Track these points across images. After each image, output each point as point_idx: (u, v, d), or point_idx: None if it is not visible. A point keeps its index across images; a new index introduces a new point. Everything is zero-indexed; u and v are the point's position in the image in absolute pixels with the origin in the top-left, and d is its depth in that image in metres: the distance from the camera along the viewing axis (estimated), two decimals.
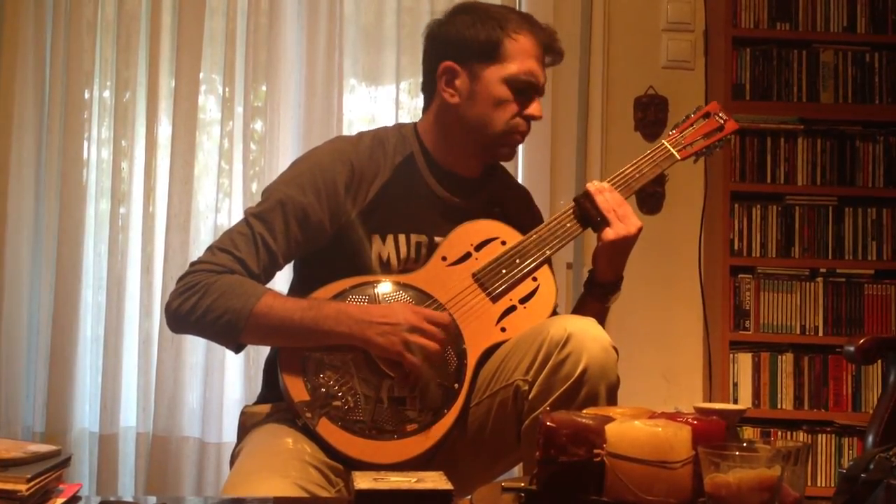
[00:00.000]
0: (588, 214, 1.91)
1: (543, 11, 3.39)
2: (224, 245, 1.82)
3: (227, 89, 3.27)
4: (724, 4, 3.28)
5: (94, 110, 3.29)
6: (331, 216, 1.86)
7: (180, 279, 1.81)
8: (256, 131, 3.31)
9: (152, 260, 3.23)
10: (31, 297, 3.25)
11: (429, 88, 1.97)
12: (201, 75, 3.27)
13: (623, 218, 1.88)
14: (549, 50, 1.94)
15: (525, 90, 1.90)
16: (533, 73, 1.90)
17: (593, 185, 1.93)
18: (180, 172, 3.22)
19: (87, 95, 3.26)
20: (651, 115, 3.40)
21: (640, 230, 1.89)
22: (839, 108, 3.29)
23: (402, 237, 1.90)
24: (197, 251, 3.14)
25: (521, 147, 3.29)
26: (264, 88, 3.30)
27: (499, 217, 1.99)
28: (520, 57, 1.89)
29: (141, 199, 3.25)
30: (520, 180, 3.30)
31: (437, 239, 1.91)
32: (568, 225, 1.92)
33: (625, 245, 1.89)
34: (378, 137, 1.96)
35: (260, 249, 1.82)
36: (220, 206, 3.25)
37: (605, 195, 1.91)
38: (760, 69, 3.29)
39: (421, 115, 2.01)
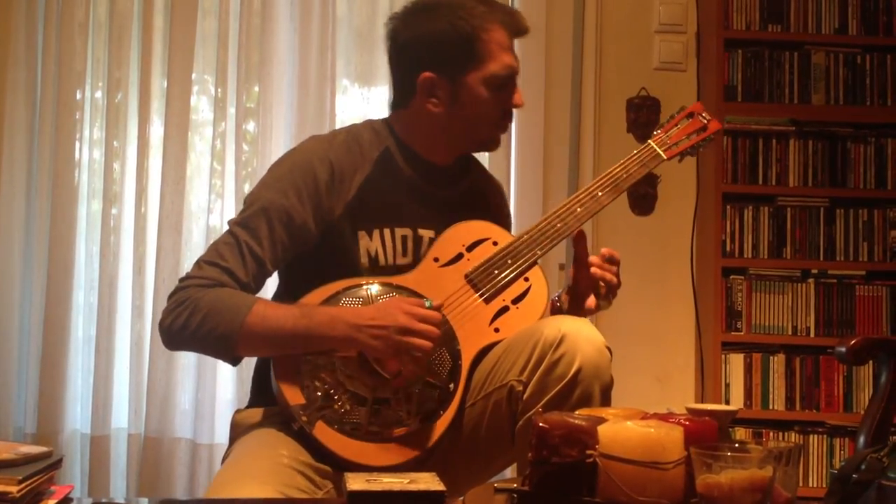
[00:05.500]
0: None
1: (536, 13, 3.40)
2: (210, 258, 1.81)
3: (219, 90, 3.26)
4: (716, 6, 3.29)
5: (85, 111, 3.28)
6: (315, 216, 1.85)
7: (170, 296, 1.80)
8: (249, 132, 3.30)
9: (144, 261, 3.22)
10: (22, 298, 3.24)
11: (403, 91, 1.96)
12: (193, 76, 3.27)
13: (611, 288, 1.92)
14: (518, 32, 1.94)
15: (506, 84, 1.91)
16: (510, 66, 1.90)
17: (596, 259, 1.93)
18: (172, 173, 3.21)
19: (78, 96, 3.25)
20: (643, 117, 3.41)
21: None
22: (831, 109, 3.30)
23: (387, 231, 1.89)
24: (189, 252, 3.13)
25: (513, 148, 3.34)
26: (257, 89, 3.30)
27: (482, 206, 2.01)
28: (496, 53, 1.89)
29: (133, 200, 3.24)
30: (512, 181, 3.34)
31: (420, 231, 1.91)
32: (559, 225, 1.92)
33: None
34: (352, 134, 1.95)
35: (247, 257, 1.81)
36: (213, 207, 3.24)
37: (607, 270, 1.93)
38: (752, 71, 3.30)
39: (390, 111, 2.00)
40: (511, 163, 3.34)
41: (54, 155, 3.22)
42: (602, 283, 1.91)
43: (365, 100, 3.37)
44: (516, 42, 1.96)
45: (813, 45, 3.31)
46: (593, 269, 1.90)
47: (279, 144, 3.26)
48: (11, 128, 3.25)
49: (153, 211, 3.23)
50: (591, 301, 1.94)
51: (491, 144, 2.00)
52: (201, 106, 3.35)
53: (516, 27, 1.93)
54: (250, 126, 3.31)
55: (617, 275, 1.93)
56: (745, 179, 3.28)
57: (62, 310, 3.18)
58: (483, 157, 3.24)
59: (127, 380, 3.22)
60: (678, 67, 3.47)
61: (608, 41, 3.46)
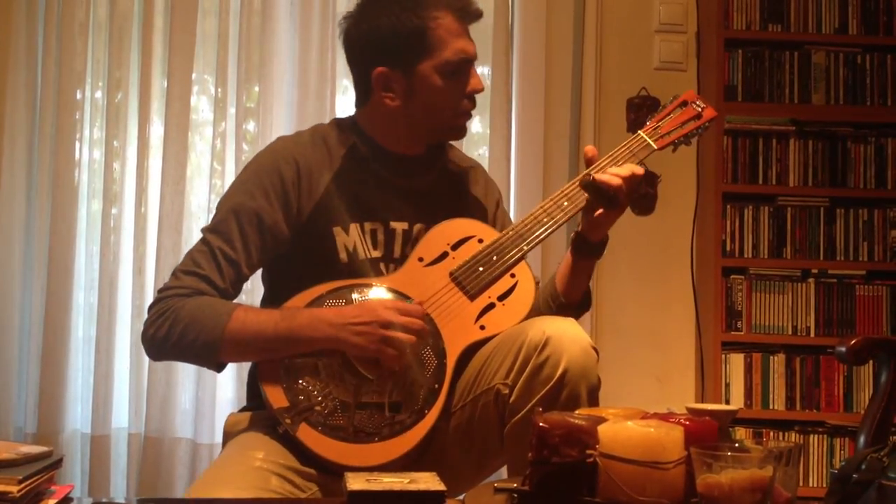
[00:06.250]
0: (602, 196, 1.86)
1: (536, 13, 3.40)
2: (187, 267, 1.82)
3: (219, 90, 3.26)
4: (716, 6, 3.29)
5: (85, 111, 3.28)
6: (285, 215, 1.85)
7: (150, 307, 1.80)
8: (249, 132, 3.30)
9: (144, 261, 3.22)
10: (22, 298, 3.24)
11: (362, 88, 1.95)
12: (194, 76, 3.27)
13: (629, 185, 1.86)
14: (468, 16, 1.91)
15: (461, 69, 1.89)
16: (463, 51, 1.88)
17: (589, 150, 1.92)
18: (172, 173, 3.21)
19: (78, 96, 3.25)
20: (643, 117, 3.35)
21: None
22: (831, 109, 3.30)
23: (358, 226, 1.89)
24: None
25: (513, 147, 3.34)
26: (257, 89, 3.30)
27: (460, 193, 2.00)
28: (447, 40, 1.86)
29: (133, 200, 3.25)
30: (512, 181, 3.33)
31: (392, 224, 1.91)
32: (546, 220, 1.89)
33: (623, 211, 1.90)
34: (318, 132, 1.96)
35: (222, 263, 1.81)
36: (213, 207, 3.24)
37: (608, 173, 1.88)
38: (752, 70, 3.30)
39: (355, 109, 1.99)
40: (511, 162, 3.33)
41: (54, 155, 3.22)
42: (605, 187, 1.84)
43: None
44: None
45: (813, 45, 3.31)
46: (595, 175, 1.85)
47: None
48: (11, 128, 3.25)
49: (153, 211, 3.23)
50: (599, 212, 1.88)
51: (453, 133, 1.97)
52: (201, 106, 3.35)
53: (467, 12, 1.90)
54: (250, 126, 3.31)
55: (627, 182, 1.84)
56: (746, 179, 3.28)
57: (62, 310, 3.18)
58: (484, 157, 3.26)
59: (127, 380, 3.22)
60: (678, 67, 3.47)
61: (608, 41, 3.46)
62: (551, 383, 1.68)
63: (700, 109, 2.01)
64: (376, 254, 1.90)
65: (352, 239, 1.88)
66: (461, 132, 1.97)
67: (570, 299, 1.95)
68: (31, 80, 3.26)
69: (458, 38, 1.88)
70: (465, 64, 1.89)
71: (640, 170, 1.88)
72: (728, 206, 3.26)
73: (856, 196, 3.29)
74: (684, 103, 2.02)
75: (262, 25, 3.28)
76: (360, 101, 1.97)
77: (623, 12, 3.47)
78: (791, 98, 3.31)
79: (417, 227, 1.93)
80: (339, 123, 1.99)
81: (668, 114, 2.01)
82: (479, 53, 1.95)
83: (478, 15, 1.94)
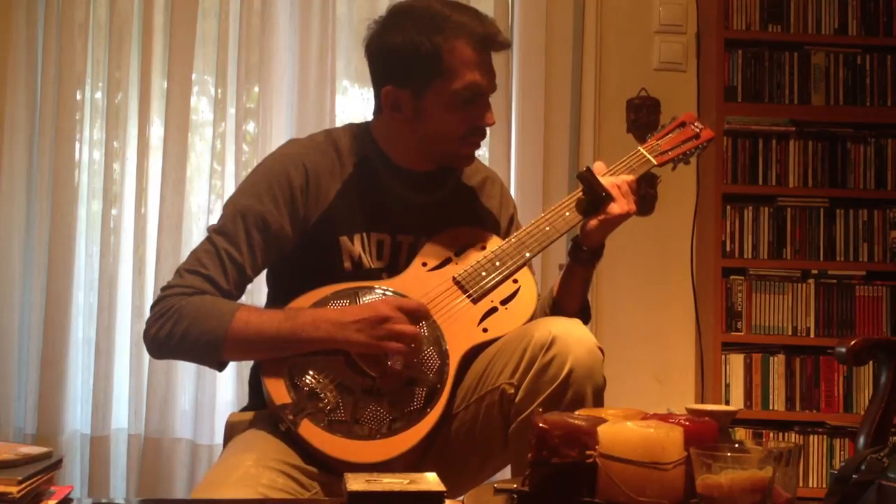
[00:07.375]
0: (593, 192, 1.89)
1: (536, 14, 3.40)
2: (191, 266, 1.82)
3: (219, 91, 3.26)
4: (716, 6, 3.29)
5: (85, 111, 3.28)
6: (291, 220, 1.85)
7: (153, 306, 1.80)
8: (249, 133, 3.30)
9: (144, 261, 3.22)
10: (22, 299, 3.24)
11: (376, 100, 1.94)
12: (194, 76, 3.27)
13: (626, 195, 1.89)
14: (490, 46, 1.87)
15: (472, 100, 1.86)
16: (475, 84, 1.84)
17: (598, 165, 1.93)
18: (172, 174, 3.21)
19: (78, 96, 3.25)
20: (643, 117, 3.41)
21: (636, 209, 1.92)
22: (831, 109, 3.30)
23: (365, 236, 1.89)
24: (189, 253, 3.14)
25: (513, 148, 3.34)
26: (257, 90, 3.30)
27: (471, 207, 2.01)
28: (459, 71, 1.83)
29: (133, 201, 3.25)
30: (512, 182, 3.33)
31: (399, 237, 1.91)
32: (547, 228, 1.91)
33: (624, 220, 1.90)
34: (331, 138, 1.95)
35: (226, 264, 1.81)
36: (213, 208, 3.25)
37: (608, 176, 1.92)
38: (752, 71, 3.30)
39: (372, 116, 1.98)
40: (511, 163, 3.34)
41: (54, 155, 3.22)
42: (598, 185, 1.87)
43: (365, 100, 3.37)
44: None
45: (813, 45, 3.31)
46: (603, 179, 1.88)
47: (279, 145, 3.25)
48: (11, 128, 3.25)
49: (153, 211, 3.23)
50: (593, 222, 1.90)
51: (458, 160, 1.95)
52: (201, 106, 3.35)
53: (489, 42, 1.86)
54: (250, 126, 3.31)
55: (620, 185, 1.88)
56: (745, 180, 3.28)
57: (62, 310, 3.18)
58: (484, 157, 3.26)
59: (127, 380, 3.22)
60: (678, 68, 3.47)
61: (608, 41, 3.46)
62: (557, 383, 1.68)
63: (698, 130, 2.07)
64: (380, 265, 1.90)
65: (357, 249, 1.88)
66: (464, 160, 1.96)
67: (567, 308, 1.96)
68: (31, 81, 3.26)
69: (472, 69, 1.84)
70: (476, 96, 1.86)
71: (631, 177, 1.93)
72: (728, 207, 3.26)
73: (856, 196, 3.29)
74: (683, 124, 2.07)
75: (262, 26, 3.28)
76: (375, 112, 1.96)
77: (623, 12, 3.47)
78: (791, 99, 3.31)
79: (423, 241, 1.93)
80: (353, 130, 1.98)
81: (668, 133, 2.06)
82: None
83: (503, 45, 1.89)
